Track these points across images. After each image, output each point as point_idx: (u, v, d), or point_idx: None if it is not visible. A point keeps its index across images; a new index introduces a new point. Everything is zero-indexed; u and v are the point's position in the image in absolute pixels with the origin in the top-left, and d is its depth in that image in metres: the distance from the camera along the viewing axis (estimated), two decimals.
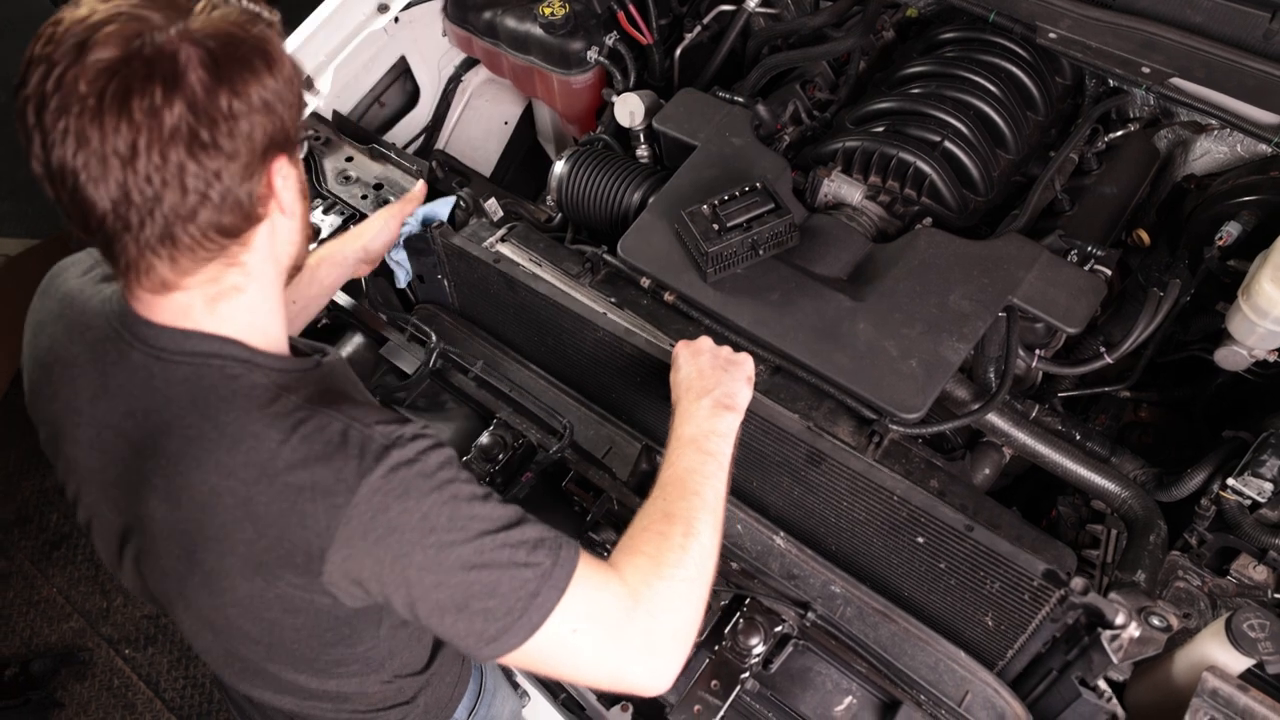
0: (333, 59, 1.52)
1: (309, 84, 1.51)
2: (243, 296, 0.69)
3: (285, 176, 0.67)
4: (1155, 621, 0.90)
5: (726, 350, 0.98)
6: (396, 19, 1.59)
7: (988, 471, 1.18)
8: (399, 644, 0.84)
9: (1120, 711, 0.92)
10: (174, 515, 0.68)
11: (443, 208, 1.26)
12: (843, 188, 1.29)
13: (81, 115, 0.57)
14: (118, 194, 0.59)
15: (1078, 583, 0.87)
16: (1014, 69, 1.36)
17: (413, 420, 0.70)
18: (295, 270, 0.75)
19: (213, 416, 0.67)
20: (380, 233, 1.18)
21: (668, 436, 0.90)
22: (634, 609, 0.71)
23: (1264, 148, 1.26)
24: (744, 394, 0.94)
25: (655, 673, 0.72)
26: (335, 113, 1.55)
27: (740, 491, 1.12)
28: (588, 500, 1.14)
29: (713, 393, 0.91)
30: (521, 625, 0.67)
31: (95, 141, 0.57)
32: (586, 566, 0.71)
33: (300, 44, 1.49)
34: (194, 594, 0.72)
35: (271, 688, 0.83)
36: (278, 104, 0.63)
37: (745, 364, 0.97)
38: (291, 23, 1.52)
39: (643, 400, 1.19)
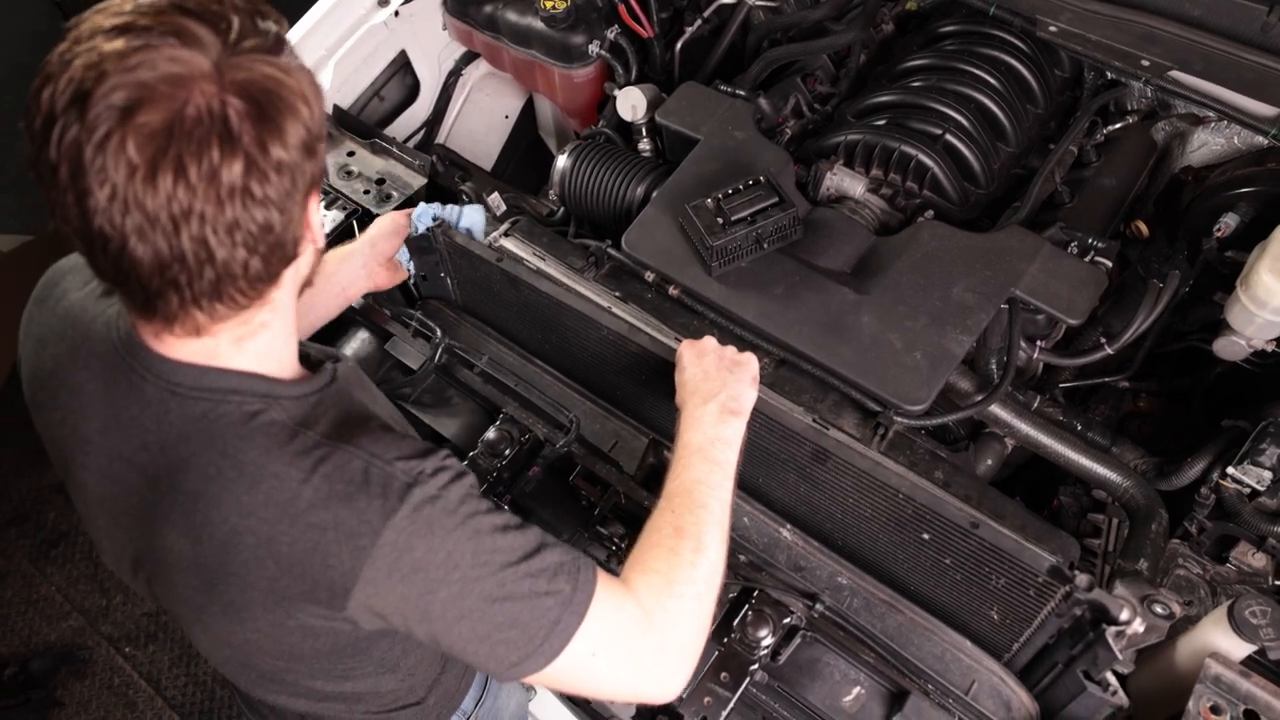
0: (333, 53, 1.51)
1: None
2: (267, 332, 0.68)
3: (316, 209, 0.67)
4: (1158, 609, 0.91)
5: (731, 350, 0.99)
6: (397, 13, 1.58)
7: (990, 462, 1.20)
8: (412, 644, 0.84)
9: (1126, 703, 0.93)
10: (194, 550, 0.68)
11: (476, 215, 1.23)
12: (845, 181, 1.29)
13: (132, 180, 0.54)
14: (168, 255, 0.57)
15: (1082, 579, 0.88)
16: (1014, 62, 1.37)
17: (433, 450, 0.69)
18: (307, 284, 0.73)
19: (231, 455, 0.66)
20: (390, 233, 1.17)
21: (674, 441, 0.91)
22: (649, 629, 0.73)
23: (1261, 139, 1.27)
24: (749, 396, 0.95)
25: (666, 686, 0.74)
26: (336, 107, 1.54)
27: (747, 486, 1.13)
28: (595, 495, 1.15)
29: (718, 396, 0.92)
30: (543, 651, 0.68)
31: (150, 205, 0.55)
32: (604, 589, 0.72)
33: (300, 38, 1.48)
34: (212, 620, 0.72)
35: (286, 692, 0.83)
36: (315, 143, 0.62)
37: (750, 365, 0.97)
38: (292, 17, 1.51)
39: (648, 395, 1.19)
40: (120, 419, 0.69)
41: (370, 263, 1.16)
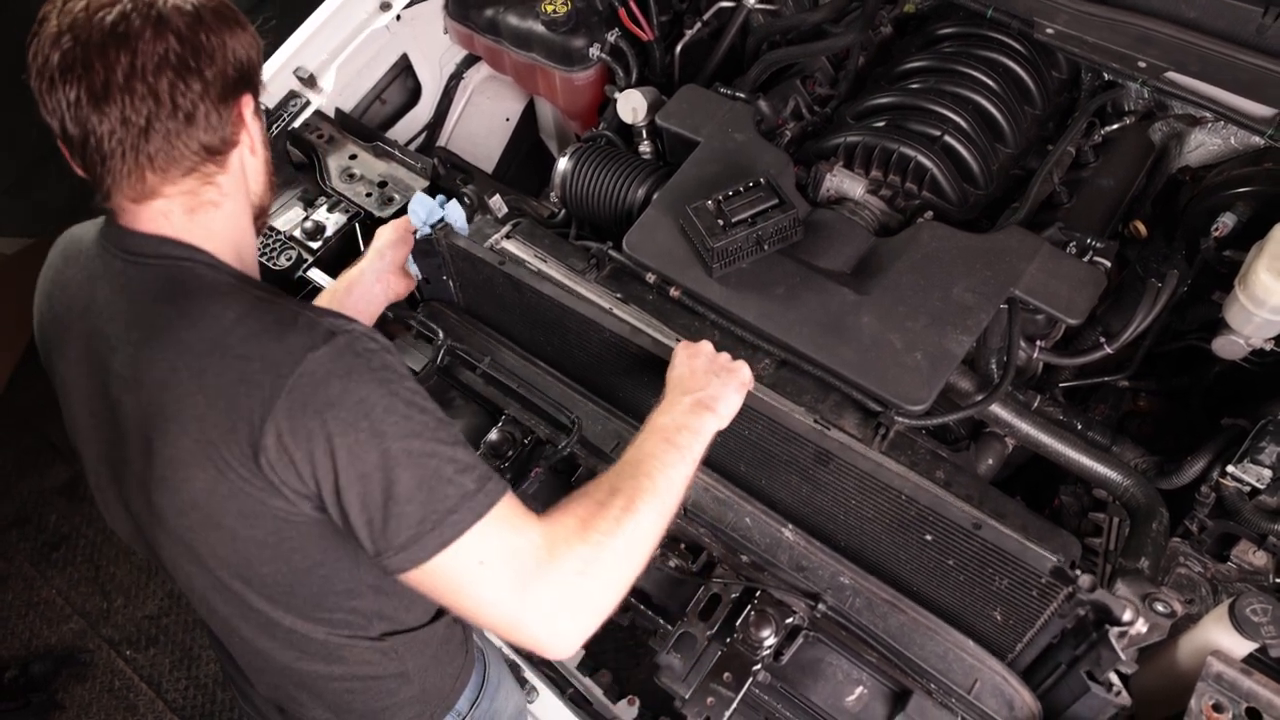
0: (335, 57, 1.52)
1: (311, 81, 1.52)
2: (218, 211, 0.77)
3: (253, 115, 0.78)
4: (1159, 608, 0.91)
5: (724, 357, 0.99)
6: (398, 17, 1.59)
7: (991, 462, 1.20)
8: (386, 602, 0.84)
9: (1129, 703, 0.93)
10: (135, 400, 0.73)
11: (456, 212, 1.24)
12: (845, 182, 1.30)
13: (89, 50, 0.68)
14: (117, 117, 0.69)
15: (1085, 580, 0.88)
16: (1011, 64, 1.38)
17: (372, 330, 0.74)
18: (261, 212, 0.84)
19: (178, 302, 0.73)
20: (394, 242, 1.18)
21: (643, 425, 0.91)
22: (548, 563, 0.71)
23: (1257, 140, 1.28)
24: (731, 400, 0.95)
25: (556, 634, 0.71)
26: (338, 110, 1.55)
27: (749, 487, 1.13)
28: None
29: (697, 392, 0.93)
30: (432, 538, 0.68)
31: (101, 72, 0.68)
32: (509, 507, 0.72)
33: (303, 42, 1.49)
34: (158, 498, 0.74)
35: (267, 633, 0.82)
36: (243, 51, 0.75)
37: (740, 372, 0.98)
38: (295, 21, 1.52)
39: (650, 396, 1.19)
40: (95, 299, 0.78)
41: (384, 274, 1.16)
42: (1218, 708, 0.87)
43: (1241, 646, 0.90)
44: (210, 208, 0.77)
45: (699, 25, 1.57)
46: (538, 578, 0.70)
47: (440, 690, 0.96)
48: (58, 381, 0.84)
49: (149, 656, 2.16)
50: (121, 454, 0.77)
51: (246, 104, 0.77)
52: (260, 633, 0.83)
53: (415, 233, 1.21)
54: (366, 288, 1.13)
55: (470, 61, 1.81)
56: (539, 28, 1.55)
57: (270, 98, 1.48)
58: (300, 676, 0.87)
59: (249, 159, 0.80)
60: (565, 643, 0.72)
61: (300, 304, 0.75)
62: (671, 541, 1.09)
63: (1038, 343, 1.22)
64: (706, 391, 0.93)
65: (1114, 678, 0.90)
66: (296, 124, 1.47)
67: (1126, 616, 0.86)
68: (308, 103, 1.49)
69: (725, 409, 0.94)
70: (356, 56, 1.55)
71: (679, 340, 1.11)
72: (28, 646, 2.18)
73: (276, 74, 1.48)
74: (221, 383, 0.69)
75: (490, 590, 0.70)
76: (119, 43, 0.68)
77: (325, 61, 1.51)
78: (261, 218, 0.85)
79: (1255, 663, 0.92)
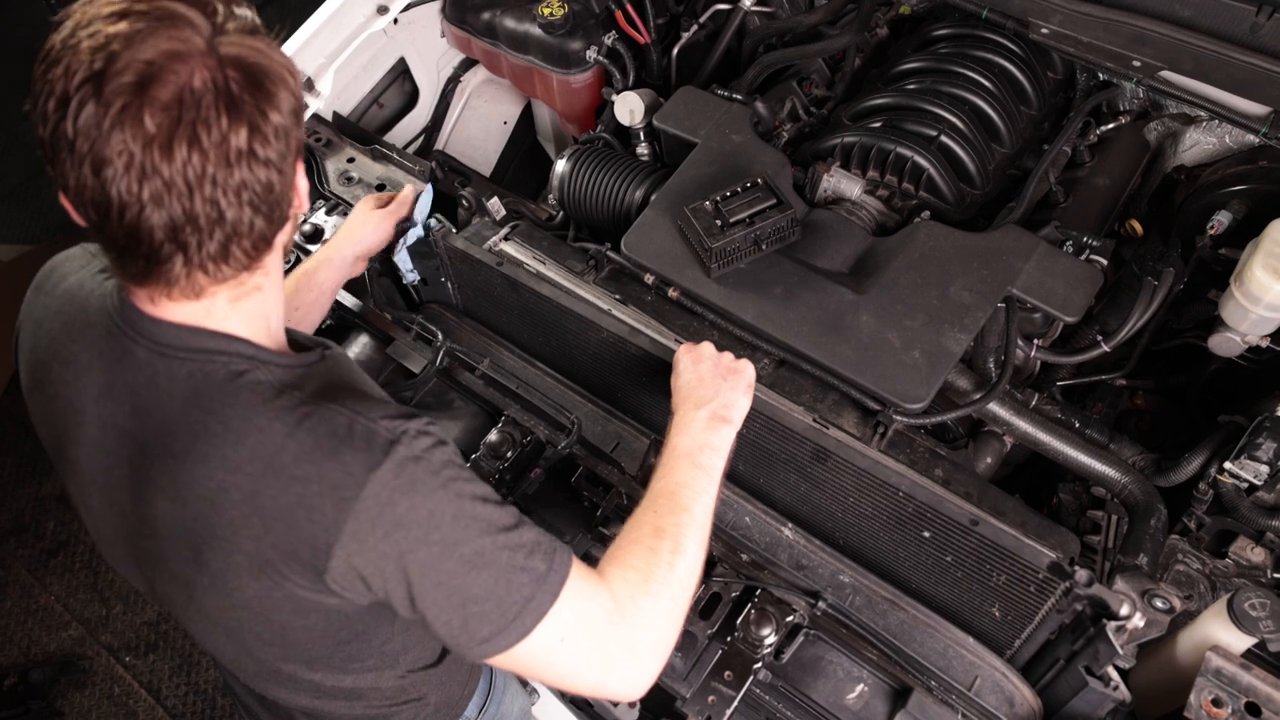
0: (333, 61, 1.52)
1: (309, 85, 1.52)
2: (260, 295, 0.71)
3: (300, 174, 0.70)
4: (1158, 603, 0.91)
5: (728, 357, 0.99)
6: (396, 20, 1.60)
7: (990, 460, 1.20)
8: (412, 640, 0.84)
9: (1128, 697, 0.93)
10: (180, 514, 0.69)
11: (425, 198, 1.23)
12: (842, 183, 1.30)
13: (150, 149, 0.59)
14: (182, 217, 0.61)
15: (1082, 575, 0.89)
16: (1007, 64, 1.39)
17: (416, 414, 0.71)
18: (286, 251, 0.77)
19: (217, 411, 0.67)
20: (373, 232, 1.18)
21: (663, 443, 0.91)
22: (620, 623, 0.73)
23: (1252, 138, 1.28)
24: (742, 404, 0.95)
25: (632, 684, 0.74)
26: (335, 114, 1.55)
27: (749, 486, 1.13)
28: (597, 495, 1.15)
29: (711, 404, 0.92)
30: (514, 628, 0.68)
31: (166, 172, 0.59)
32: (578, 575, 0.72)
33: (300, 46, 1.49)
34: (203, 596, 0.72)
35: (287, 687, 0.83)
36: (300, 109, 0.67)
37: (746, 372, 0.98)
38: (293, 24, 1.52)
39: (649, 396, 1.20)
40: (113, 386, 0.71)
41: (358, 263, 1.17)
42: (1217, 702, 0.87)
43: (1240, 641, 0.91)
44: (255, 293, 0.70)
45: (695, 28, 1.58)
46: (613, 640, 0.72)
47: (450, 698, 0.96)
48: (66, 462, 0.76)
49: (148, 663, 2.15)
50: (153, 550, 0.73)
51: (300, 169, 0.69)
52: (281, 686, 0.83)
53: (406, 221, 1.20)
54: (335, 270, 1.13)
55: (468, 65, 1.81)
56: (536, 31, 1.56)
57: None
58: (316, 712, 0.87)
59: (292, 215, 0.71)
60: (641, 689, 0.75)
61: (347, 404, 0.68)
62: None
63: (1035, 341, 1.22)
64: (719, 400, 0.93)
65: (1112, 672, 0.90)
66: None
67: (1124, 611, 0.87)
68: (305, 106, 1.49)
69: (738, 414, 0.94)
70: (354, 60, 1.55)
71: (678, 341, 1.12)
72: (26, 654, 2.17)
73: None
74: (278, 506, 0.66)
75: (572, 663, 0.71)
76: (189, 140, 0.59)
77: (323, 65, 1.51)
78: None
79: (1254, 658, 0.92)
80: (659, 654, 0.75)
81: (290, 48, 1.50)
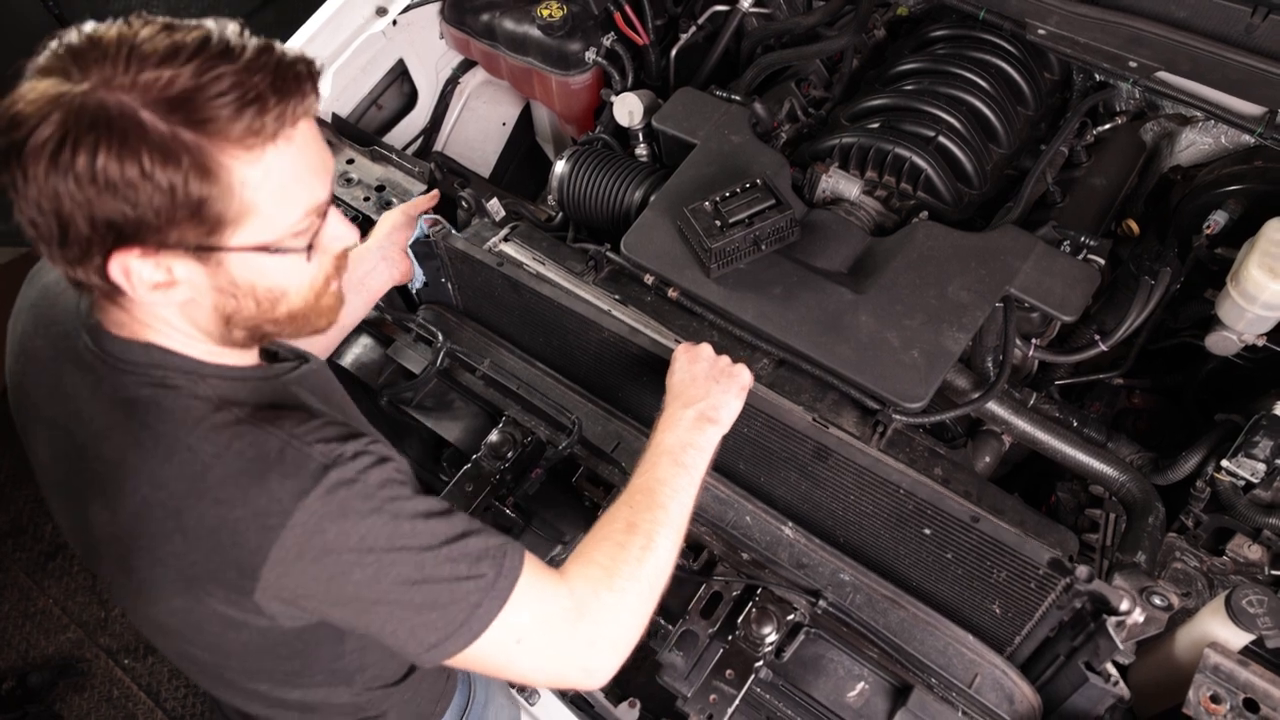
0: (332, 62, 1.53)
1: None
2: (199, 306, 0.66)
3: (138, 272, 0.62)
4: (1156, 601, 0.92)
5: (725, 360, 0.99)
6: (395, 22, 1.60)
7: (988, 459, 1.21)
8: (370, 658, 0.83)
9: (1127, 693, 0.94)
10: (111, 521, 0.68)
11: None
12: (840, 183, 1.31)
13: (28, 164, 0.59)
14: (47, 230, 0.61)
15: (1082, 570, 0.89)
16: (1004, 65, 1.39)
17: (360, 435, 0.69)
18: (306, 315, 0.71)
19: (151, 426, 0.66)
20: (399, 228, 1.19)
21: (648, 439, 0.92)
22: (578, 619, 0.73)
23: (1247, 138, 1.29)
24: (732, 407, 0.95)
25: (592, 676, 0.75)
26: (335, 115, 1.55)
27: (749, 484, 1.14)
28: (598, 495, 1.15)
29: (700, 403, 0.93)
30: (462, 634, 0.68)
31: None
32: (532, 575, 0.72)
33: (300, 47, 1.48)
34: (132, 602, 0.72)
35: (235, 694, 0.82)
36: (123, 187, 0.58)
37: (740, 376, 0.98)
38: (292, 26, 1.52)
39: (649, 396, 1.20)
40: (62, 385, 0.71)
41: (389, 253, 1.17)
42: (1215, 699, 0.88)
43: (1238, 638, 0.91)
44: (191, 306, 0.66)
45: (694, 29, 1.58)
46: (570, 635, 0.73)
47: (418, 715, 0.94)
48: (29, 451, 0.78)
49: (147, 665, 2.15)
50: (93, 549, 0.72)
51: (122, 260, 0.61)
52: (228, 690, 0.82)
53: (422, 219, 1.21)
54: (372, 264, 1.13)
55: (466, 66, 1.81)
56: (535, 32, 1.56)
57: None
58: None
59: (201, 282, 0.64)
60: (601, 679, 0.75)
61: (284, 425, 0.66)
62: None
63: (1033, 341, 1.23)
64: (708, 401, 0.93)
65: (1111, 669, 0.91)
66: None
67: (1124, 606, 0.87)
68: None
69: (727, 416, 0.94)
70: (353, 61, 1.56)
71: (678, 341, 1.12)
72: (25, 657, 2.16)
73: None
74: (202, 528, 0.65)
75: (530, 659, 0.72)
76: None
77: (322, 66, 1.51)
78: (314, 319, 0.71)
79: (1252, 654, 0.92)
80: (622, 648, 0.75)
81: (291, 48, 1.50)
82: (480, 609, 0.68)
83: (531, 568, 0.72)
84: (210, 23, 0.62)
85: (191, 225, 0.61)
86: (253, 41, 0.62)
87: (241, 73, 0.60)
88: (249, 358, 0.74)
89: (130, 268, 0.61)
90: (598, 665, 0.74)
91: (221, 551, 0.65)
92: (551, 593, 0.73)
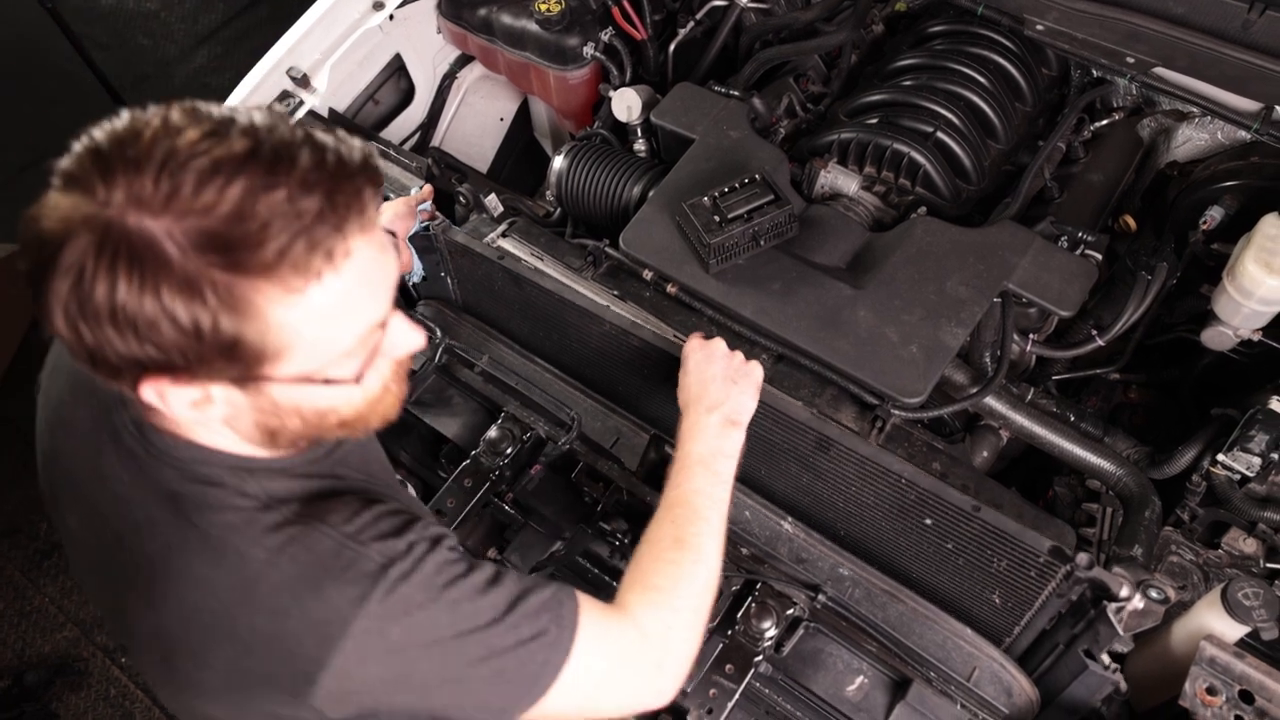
0: (328, 57, 1.52)
1: (305, 81, 1.51)
2: (234, 411, 0.61)
3: (173, 395, 0.57)
4: (1153, 594, 0.93)
5: (739, 358, 0.98)
6: (391, 16, 1.59)
7: (986, 454, 1.21)
8: None
9: (1124, 684, 0.94)
10: (154, 619, 0.65)
11: None
12: (839, 179, 1.31)
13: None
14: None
15: (1082, 558, 0.90)
16: (1002, 61, 1.39)
17: (410, 523, 0.66)
18: (353, 420, 0.65)
19: (197, 525, 0.64)
20: (401, 217, 1.18)
21: (675, 448, 0.91)
22: (644, 647, 0.74)
23: (1244, 134, 1.29)
24: (750, 408, 0.95)
25: (663, 694, 0.76)
26: (331, 110, 1.55)
27: (748, 478, 1.14)
28: (597, 491, 1.15)
29: (723, 407, 0.92)
30: (532, 693, 0.68)
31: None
32: (591, 618, 0.71)
33: (295, 41, 1.48)
34: (173, 695, 0.69)
35: None
36: (123, 347, 0.53)
37: (756, 374, 0.98)
38: (288, 21, 1.51)
39: (650, 390, 1.20)
40: (101, 467, 0.67)
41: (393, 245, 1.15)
42: (1211, 690, 0.89)
43: (1234, 631, 0.92)
44: (226, 408, 0.60)
45: (692, 24, 1.58)
46: (641, 664, 0.73)
47: None
48: (58, 516, 0.74)
49: None
50: (129, 634, 0.69)
51: (154, 385, 0.56)
52: None
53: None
54: None
55: (464, 61, 1.80)
56: (533, 27, 1.55)
57: (263, 98, 1.48)
58: None
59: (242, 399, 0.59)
60: (671, 695, 0.77)
61: (337, 525, 0.63)
62: None
63: (1031, 336, 1.23)
64: (730, 404, 0.92)
65: (1107, 657, 0.91)
66: None
67: (1123, 593, 0.88)
68: (301, 103, 1.49)
69: (747, 418, 0.95)
70: (349, 56, 1.55)
71: (678, 338, 1.12)
72: (21, 656, 2.15)
73: (269, 74, 1.47)
74: (256, 637, 0.62)
75: (606, 696, 0.72)
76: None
77: (318, 61, 1.50)
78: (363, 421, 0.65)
79: (1247, 646, 0.93)
80: (686, 661, 0.77)
81: (285, 44, 1.49)
82: (547, 665, 0.68)
83: (589, 610, 0.71)
84: (259, 116, 0.55)
85: (224, 362, 0.55)
86: (306, 148, 0.54)
87: (291, 197, 0.52)
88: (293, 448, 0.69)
89: (164, 392, 0.57)
90: (667, 684, 0.75)
91: (276, 660, 0.63)
92: (616, 629, 0.73)
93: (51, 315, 0.54)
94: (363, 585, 0.62)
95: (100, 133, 0.54)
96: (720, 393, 0.94)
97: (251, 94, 1.46)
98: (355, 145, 0.57)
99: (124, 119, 0.54)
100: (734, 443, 0.91)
